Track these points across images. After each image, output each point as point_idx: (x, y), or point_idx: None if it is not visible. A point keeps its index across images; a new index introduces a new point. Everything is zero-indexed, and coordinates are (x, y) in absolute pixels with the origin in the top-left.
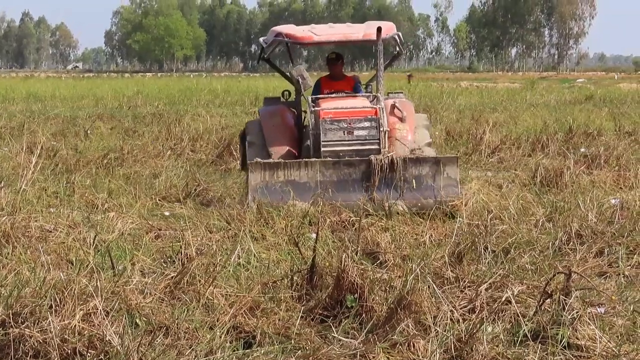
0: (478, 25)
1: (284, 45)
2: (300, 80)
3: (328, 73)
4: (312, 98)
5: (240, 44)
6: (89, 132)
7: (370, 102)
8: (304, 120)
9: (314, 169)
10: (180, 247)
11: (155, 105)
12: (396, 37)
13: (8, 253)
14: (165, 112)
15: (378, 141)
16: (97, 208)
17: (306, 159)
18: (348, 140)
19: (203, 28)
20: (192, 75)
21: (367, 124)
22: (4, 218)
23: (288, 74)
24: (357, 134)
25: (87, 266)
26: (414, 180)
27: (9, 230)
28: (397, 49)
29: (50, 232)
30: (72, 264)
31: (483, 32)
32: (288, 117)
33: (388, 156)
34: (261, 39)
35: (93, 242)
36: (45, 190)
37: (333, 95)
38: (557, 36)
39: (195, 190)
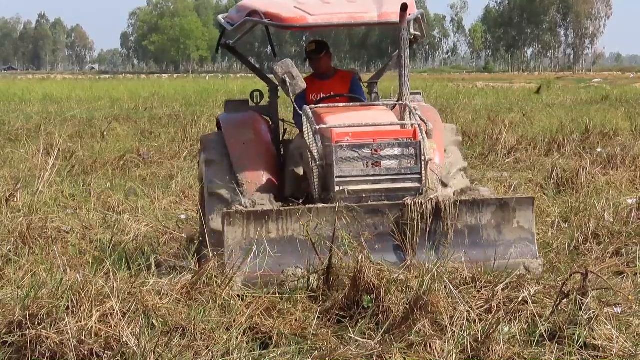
0: (494, 26)
1: (265, 30)
2: (287, 80)
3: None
4: (308, 109)
5: (256, 44)
6: (105, 133)
7: (397, 113)
8: (284, 134)
9: (320, 218)
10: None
11: (172, 106)
12: (419, 16)
13: (25, 254)
14: (181, 114)
15: (419, 176)
16: (113, 209)
17: (310, 205)
18: (373, 176)
19: (219, 29)
20: (208, 77)
21: (401, 150)
22: (21, 219)
23: (271, 70)
24: (386, 166)
25: (103, 267)
26: (467, 234)
27: (25, 231)
28: (420, 32)
29: (67, 233)
30: (89, 265)
31: (499, 32)
32: (263, 129)
33: (432, 198)
34: (221, 18)
35: (109, 244)
36: (62, 191)
37: (339, 105)
38: (572, 36)
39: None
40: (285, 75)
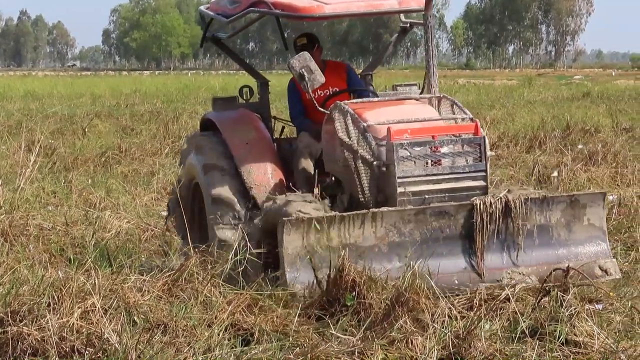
0: (475, 22)
1: (275, 21)
2: (305, 74)
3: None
4: (346, 106)
5: (238, 41)
6: (86, 130)
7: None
8: (281, 131)
9: (385, 223)
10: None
11: (153, 103)
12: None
13: (6, 251)
14: (163, 110)
15: (484, 174)
16: (94, 206)
17: (374, 210)
18: (435, 175)
19: (199, 26)
20: (189, 73)
21: (461, 147)
22: (2, 216)
23: (289, 66)
24: (448, 164)
25: (84, 264)
26: (536, 234)
27: (7, 228)
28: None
29: (48, 230)
30: (70, 262)
31: (480, 29)
32: (261, 127)
33: (501, 197)
34: (204, 9)
35: (91, 240)
36: (44, 188)
37: (373, 100)
38: (554, 33)
39: None
40: (303, 70)
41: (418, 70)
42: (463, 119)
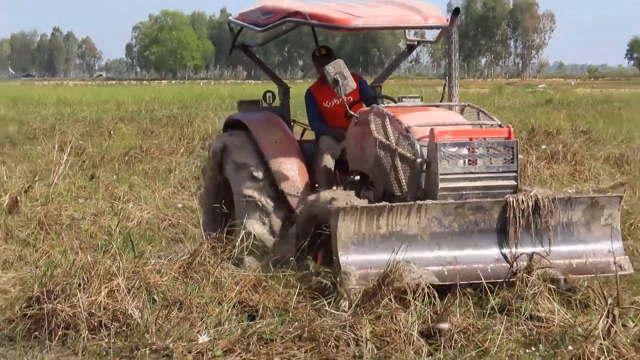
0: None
1: (309, 30)
2: (339, 80)
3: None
4: (385, 109)
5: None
6: (112, 132)
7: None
8: (302, 133)
9: (428, 215)
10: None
11: (170, 109)
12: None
13: (42, 238)
14: (178, 115)
15: (515, 174)
16: (119, 199)
17: (419, 202)
18: (473, 173)
19: (211, 41)
20: (201, 83)
21: (497, 150)
22: (38, 208)
23: (325, 71)
24: (484, 164)
25: (110, 249)
26: (559, 230)
27: (42, 218)
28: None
29: (79, 220)
30: (98, 248)
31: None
32: (287, 128)
33: (532, 195)
34: (234, 20)
35: (116, 229)
36: (74, 183)
37: (406, 105)
38: (521, 47)
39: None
40: (337, 75)
41: (401, 80)
42: (492, 125)
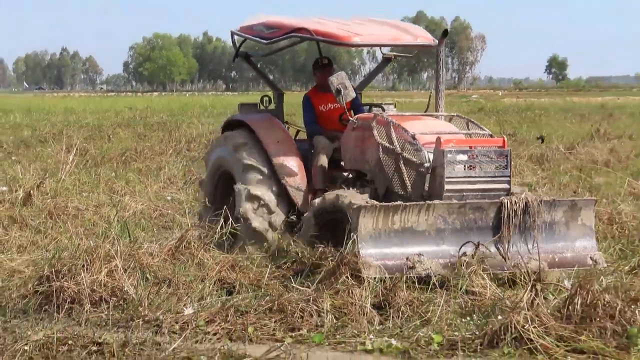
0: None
1: (314, 45)
2: (342, 89)
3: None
4: (391, 118)
5: (223, 70)
6: (111, 136)
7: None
8: (296, 134)
9: (435, 213)
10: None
11: (160, 116)
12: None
13: (51, 226)
14: (167, 122)
15: (508, 178)
16: (117, 193)
17: (429, 202)
18: (473, 177)
19: (195, 59)
20: (187, 94)
21: (493, 157)
22: (48, 200)
23: (329, 81)
24: (482, 169)
25: (109, 236)
26: (543, 229)
27: (52, 209)
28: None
29: (83, 210)
30: (99, 234)
31: (402, 60)
32: (286, 130)
33: (523, 197)
34: (238, 32)
35: (114, 218)
36: (79, 179)
37: (405, 114)
38: (457, 64)
39: (190, 179)
40: (340, 86)
41: (366, 90)
42: (483, 135)
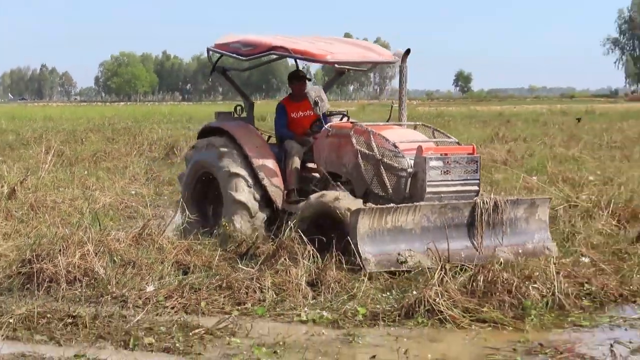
0: (328, 71)
1: (294, 61)
2: (319, 101)
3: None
4: (371, 127)
5: (179, 83)
6: (83, 140)
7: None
8: (268, 139)
9: (420, 213)
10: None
11: (126, 122)
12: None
13: (33, 217)
14: (132, 127)
15: (478, 181)
16: (89, 188)
17: (416, 203)
18: (449, 181)
19: (156, 74)
20: (149, 104)
21: (465, 162)
22: (30, 195)
23: (307, 94)
24: (454, 173)
25: (82, 225)
26: (508, 224)
27: (33, 202)
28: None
29: (59, 203)
30: (73, 224)
31: (331, 75)
32: (261, 136)
33: (492, 198)
34: (214, 49)
35: (87, 210)
36: (56, 177)
37: (380, 124)
38: (378, 77)
39: (151, 176)
40: (317, 98)
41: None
42: (450, 142)
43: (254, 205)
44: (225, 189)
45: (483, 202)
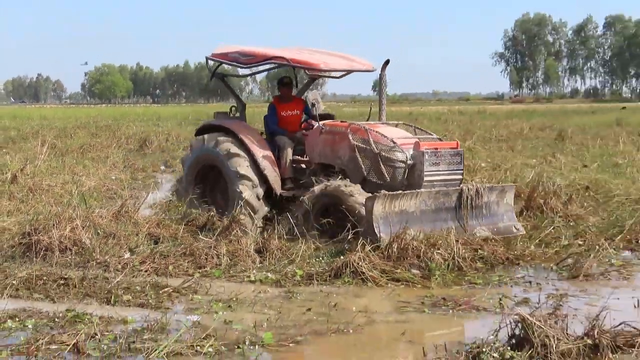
0: (274, 78)
1: (291, 70)
2: (316, 104)
3: (278, 95)
4: (367, 125)
5: (150, 89)
6: (72, 135)
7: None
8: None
9: (420, 198)
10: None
11: (107, 121)
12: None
13: (31, 198)
14: (112, 124)
15: (462, 171)
16: (77, 174)
17: (418, 190)
18: (440, 171)
19: (131, 81)
20: (125, 106)
21: (451, 155)
22: (29, 179)
23: (305, 97)
24: (443, 164)
25: (72, 204)
26: (484, 207)
27: (31, 185)
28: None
29: (53, 186)
30: (64, 203)
31: (275, 82)
32: (258, 132)
33: (474, 185)
34: (212, 58)
35: (75, 192)
36: (50, 164)
37: (377, 123)
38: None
39: (128, 164)
40: (314, 101)
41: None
42: (433, 138)
43: (254, 179)
44: (229, 167)
45: (468, 189)
